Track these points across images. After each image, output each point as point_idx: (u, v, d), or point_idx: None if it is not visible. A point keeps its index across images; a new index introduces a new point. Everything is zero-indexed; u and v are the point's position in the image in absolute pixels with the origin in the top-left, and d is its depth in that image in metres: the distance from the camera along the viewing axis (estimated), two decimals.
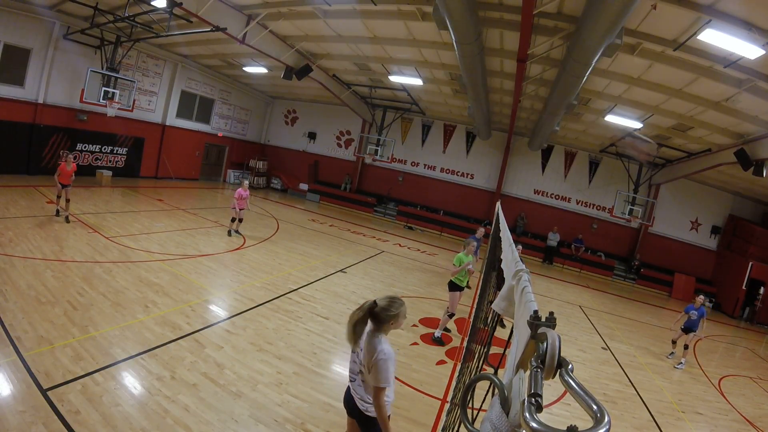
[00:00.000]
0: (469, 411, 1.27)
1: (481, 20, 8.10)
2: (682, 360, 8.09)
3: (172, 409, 3.74)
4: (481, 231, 10.19)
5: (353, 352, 2.82)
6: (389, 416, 2.82)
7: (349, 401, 2.90)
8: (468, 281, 10.44)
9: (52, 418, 3.30)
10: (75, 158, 9.43)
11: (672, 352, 8.51)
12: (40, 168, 13.17)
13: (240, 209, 10.50)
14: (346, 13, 9.85)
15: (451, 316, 6.60)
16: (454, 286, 6.62)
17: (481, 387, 1.64)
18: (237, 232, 10.68)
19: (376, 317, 2.70)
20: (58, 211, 9.17)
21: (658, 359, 8.31)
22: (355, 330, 2.67)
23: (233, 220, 10.64)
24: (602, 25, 5.76)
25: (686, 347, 8.22)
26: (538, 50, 8.69)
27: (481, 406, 1.74)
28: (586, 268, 16.89)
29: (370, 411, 2.74)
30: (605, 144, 15.89)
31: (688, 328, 8.31)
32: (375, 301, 2.74)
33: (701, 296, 8.54)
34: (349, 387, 2.91)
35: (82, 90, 12.38)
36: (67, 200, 9.08)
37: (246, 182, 10.80)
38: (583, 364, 7.10)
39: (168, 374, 4.25)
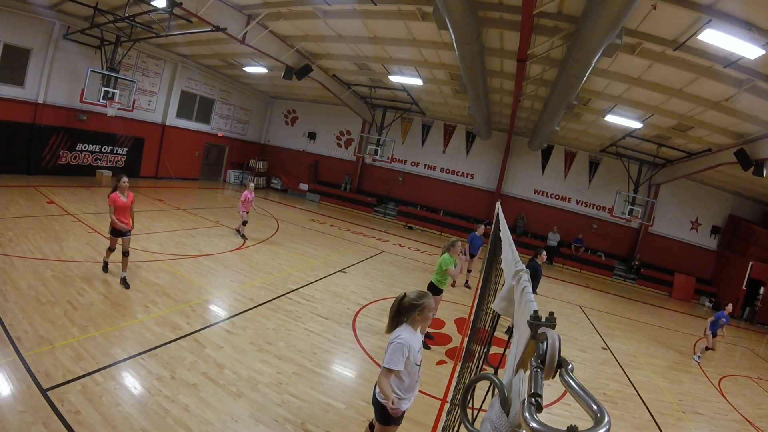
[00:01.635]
0: (469, 411, 1.27)
1: (481, 20, 8.11)
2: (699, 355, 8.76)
3: (172, 409, 3.74)
4: (481, 229, 10.18)
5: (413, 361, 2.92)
6: (403, 412, 2.95)
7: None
8: (467, 281, 10.52)
9: (52, 418, 3.30)
10: (127, 182, 6.34)
11: (699, 355, 8.76)
12: (40, 168, 13.17)
13: (245, 212, 10.32)
14: (346, 13, 9.85)
15: None
16: (435, 290, 6.11)
17: (481, 387, 1.64)
18: (242, 235, 10.56)
19: (402, 308, 2.91)
20: (106, 265, 6.58)
21: (657, 359, 8.31)
22: (391, 322, 2.95)
23: (245, 223, 10.46)
24: (602, 25, 5.76)
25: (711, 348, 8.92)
26: (538, 50, 8.69)
27: (481, 406, 1.74)
28: (586, 268, 16.89)
29: (378, 396, 2.93)
30: (605, 144, 15.89)
31: (715, 333, 8.89)
32: (405, 294, 2.95)
33: (729, 305, 9.23)
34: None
35: (82, 90, 12.37)
36: (125, 253, 6.35)
37: (252, 185, 10.70)
38: (583, 364, 7.10)
39: (168, 374, 4.25)
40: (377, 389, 2.95)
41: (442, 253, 6.13)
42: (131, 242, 6.58)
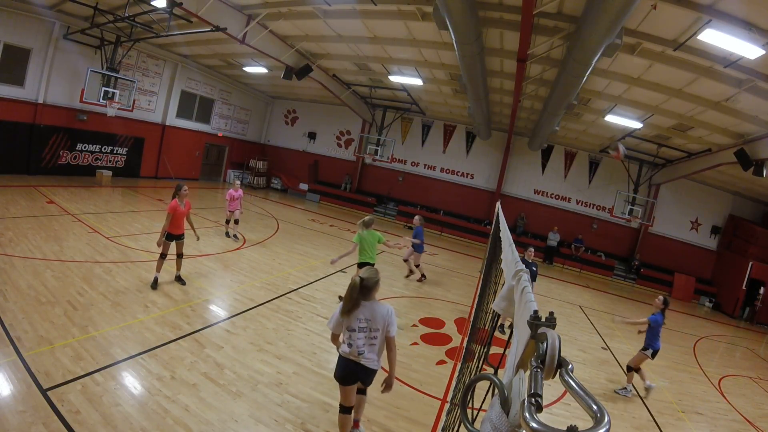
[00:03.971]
0: (469, 411, 1.27)
1: (481, 20, 8.10)
2: (627, 386, 6.07)
3: (172, 409, 3.74)
4: (417, 219, 9.65)
5: (350, 330, 3.33)
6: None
7: (356, 372, 3.38)
8: (423, 275, 10.01)
9: (52, 418, 3.30)
10: (187, 190, 6.62)
11: (625, 387, 6.08)
12: (40, 168, 13.17)
13: (232, 210, 10.04)
14: (346, 13, 9.85)
15: None
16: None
17: (481, 387, 1.64)
18: (234, 235, 10.36)
19: (366, 287, 3.31)
20: (156, 281, 6.46)
21: (657, 359, 8.28)
22: (355, 305, 3.29)
23: (227, 221, 10.31)
24: (602, 25, 5.76)
25: (636, 370, 6.04)
26: (538, 50, 8.69)
27: (481, 406, 1.74)
28: (586, 268, 16.88)
29: (377, 365, 3.40)
30: (605, 144, 15.89)
31: (650, 347, 5.94)
32: (360, 277, 3.32)
33: (660, 297, 6.06)
34: (350, 362, 3.36)
35: (82, 90, 12.37)
36: (180, 255, 6.69)
37: (237, 182, 10.39)
38: (583, 364, 7.10)
39: (168, 374, 4.26)
40: (374, 363, 3.37)
41: (364, 230, 6.68)
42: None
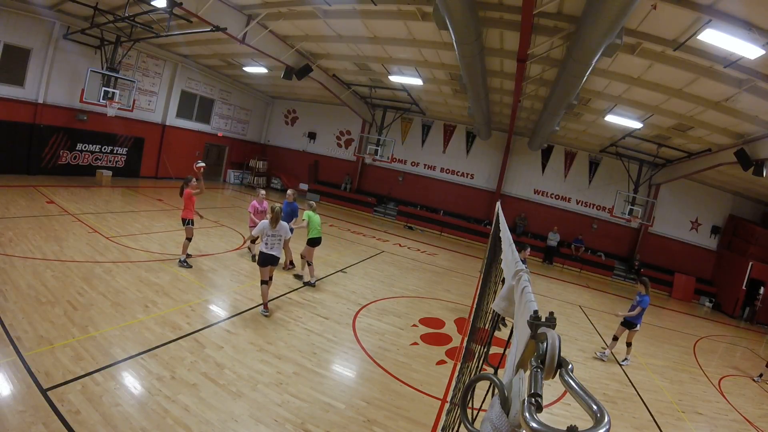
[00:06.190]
0: (469, 411, 1.27)
1: (481, 20, 8.10)
2: (627, 357, 7.46)
3: (172, 409, 3.74)
4: (289, 192, 8.64)
5: (270, 235, 6.06)
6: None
7: (272, 258, 6.08)
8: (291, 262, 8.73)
9: (52, 418, 3.30)
10: (195, 182, 7.73)
11: (603, 352, 7.51)
12: (40, 168, 13.16)
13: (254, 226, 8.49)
14: (346, 13, 9.85)
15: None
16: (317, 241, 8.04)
17: (481, 387, 1.63)
18: (254, 255, 8.68)
19: (278, 215, 6.09)
20: (188, 258, 7.81)
21: (657, 359, 8.31)
22: (277, 221, 6.07)
23: (254, 241, 8.52)
24: (602, 25, 5.76)
25: (629, 344, 7.44)
26: (538, 50, 8.69)
27: (481, 406, 1.74)
28: (586, 268, 16.88)
29: (280, 254, 6.28)
30: (605, 144, 15.89)
31: (630, 322, 7.33)
32: (279, 206, 6.24)
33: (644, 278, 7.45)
34: (266, 254, 6.05)
35: (82, 90, 12.36)
36: (188, 239, 7.68)
37: (263, 192, 8.96)
38: (584, 364, 7.10)
39: (168, 374, 4.26)
40: (280, 252, 6.20)
41: (310, 211, 7.88)
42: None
